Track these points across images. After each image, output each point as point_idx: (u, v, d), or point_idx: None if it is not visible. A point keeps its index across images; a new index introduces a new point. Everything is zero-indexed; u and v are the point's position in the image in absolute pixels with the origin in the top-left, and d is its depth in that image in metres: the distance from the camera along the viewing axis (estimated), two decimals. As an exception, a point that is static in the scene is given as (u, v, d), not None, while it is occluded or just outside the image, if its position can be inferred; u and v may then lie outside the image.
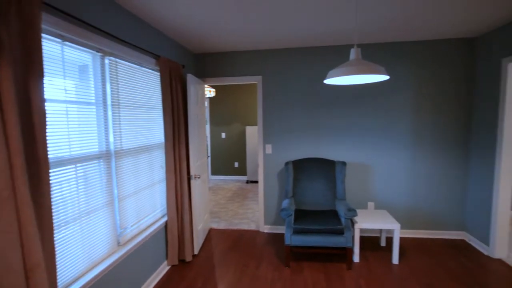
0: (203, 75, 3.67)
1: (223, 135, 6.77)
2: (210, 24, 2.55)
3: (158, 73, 2.71)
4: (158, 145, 2.73)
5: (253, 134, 6.30)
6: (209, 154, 6.87)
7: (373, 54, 3.31)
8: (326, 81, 1.88)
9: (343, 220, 2.77)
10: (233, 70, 3.59)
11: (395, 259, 2.82)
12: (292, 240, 2.76)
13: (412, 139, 3.33)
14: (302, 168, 3.32)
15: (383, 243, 3.22)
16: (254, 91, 6.60)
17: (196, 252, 3.04)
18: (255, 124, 6.61)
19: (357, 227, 2.84)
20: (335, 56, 3.36)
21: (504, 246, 2.89)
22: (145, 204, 2.52)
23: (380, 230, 3.26)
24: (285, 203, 2.95)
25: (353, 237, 3.10)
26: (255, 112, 6.62)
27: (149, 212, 2.58)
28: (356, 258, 2.88)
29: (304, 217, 2.91)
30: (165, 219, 2.73)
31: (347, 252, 2.72)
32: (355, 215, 2.70)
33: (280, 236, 3.54)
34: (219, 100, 6.72)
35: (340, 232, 2.71)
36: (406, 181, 3.39)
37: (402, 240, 3.35)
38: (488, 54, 2.94)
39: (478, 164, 3.11)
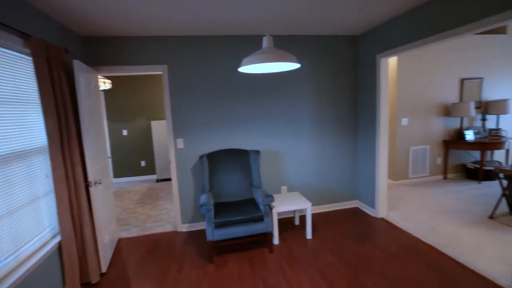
0: (95, 63, 3.11)
1: (125, 132, 6.04)
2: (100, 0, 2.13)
3: (30, 58, 2.12)
4: (39, 149, 2.16)
5: (160, 129, 5.84)
6: (109, 155, 6.02)
7: (281, 47, 3.48)
8: (241, 69, 1.84)
9: (261, 207, 2.86)
10: (133, 58, 3.16)
11: (309, 234, 3.12)
12: (214, 235, 2.69)
13: (315, 125, 3.70)
14: (217, 160, 3.25)
15: (297, 222, 3.51)
16: (159, 82, 6.08)
17: (104, 270, 2.62)
18: (163, 118, 6.14)
19: (275, 211, 2.99)
20: (248, 45, 3.38)
21: (384, 207, 3.56)
22: (26, 226, 1.98)
23: (294, 211, 3.53)
24: (203, 198, 2.84)
25: (272, 221, 3.26)
26: (161, 105, 6.13)
27: (33, 235, 2.04)
28: (276, 240, 3.04)
29: (224, 209, 2.87)
30: (58, 239, 2.22)
31: (267, 236, 2.84)
32: (273, 200, 2.83)
33: (201, 233, 3.41)
34: (116, 93, 5.92)
35: (261, 219, 2.79)
36: (312, 163, 3.77)
37: (313, 216, 3.73)
38: (367, 50, 3.49)
39: (364, 143, 3.72)
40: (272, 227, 2.92)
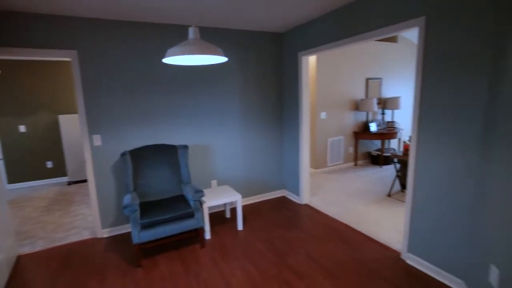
0: (-26, 43, 2.50)
1: (22, 128, 5.08)
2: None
3: None
4: None
5: (71, 124, 5.10)
6: (1, 156, 4.98)
7: (209, 38, 3.40)
8: (165, 60, 1.74)
9: (192, 203, 2.80)
10: (32, 40, 2.65)
11: (240, 226, 3.20)
12: (141, 237, 2.51)
13: (244, 118, 3.78)
14: (142, 157, 3.03)
15: (228, 215, 3.56)
16: (69, 70, 5.27)
17: (0, 294, 2.18)
18: (74, 112, 5.37)
19: (205, 206, 2.96)
20: (174, 34, 3.19)
21: (307, 194, 3.91)
22: None
23: (225, 204, 3.57)
24: (127, 198, 2.62)
25: (202, 216, 3.22)
26: (71, 97, 5.34)
27: None
28: (208, 235, 3.03)
29: (151, 209, 2.70)
30: None
31: (199, 232, 2.80)
32: (203, 195, 2.79)
33: (125, 236, 3.15)
34: (8, 82, 4.90)
35: (191, 215, 2.73)
36: (241, 156, 3.85)
37: (244, 208, 3.83)
38: (290, 48, 3.72)
39: (289, 135, 3.98)
40: (203, 222, 2.89)
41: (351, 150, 5.77)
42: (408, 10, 2.21)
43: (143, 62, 3.13)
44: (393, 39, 5.90)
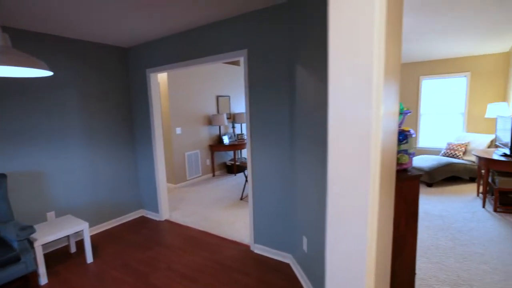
0: None
1: None
2: None
3: None
4: None
5: None
6: None
7: (34, 46, 2.85)
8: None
9: (16, 244, 2.25)
10: None
11: (89, 258, 2.82)
12: None
13: (88, 137, 3.38)
14: None
15: (73, 249, 3.05)
16: None
17: None
18: None
19: (38, 244, 2.45)
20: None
21: (167, 210, 3.90)
22: None
23: (68, 237, 3.05)
24: None
25: (35, 258, 2.63)
26: None
27: None
28: (44, 279, 2.50)
29: None
30: None
31: (30, 278, 2.28)
32: (33, 231, 2.31)
33: None
34: None
35: (16, 260, 2.20)
36: (88, 180, 3.41)
37: (94, 236, 3.38)
38: (137, 64, 3.67)
39: (143, 152, 3.86)
40: (36, 265, 2.38)
41: (208, 162, 6.18)
42: (236, 43, 2.72)
43: None
44: (236, 63, 6.84)
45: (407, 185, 1.57)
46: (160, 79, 5.22)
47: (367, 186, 0.75)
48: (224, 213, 4.00)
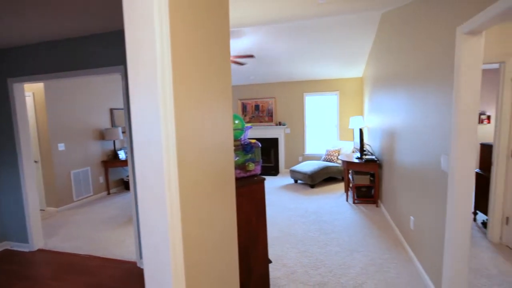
0: None
1: None
2: None
3: None
4: None
5: None
6: None
7: None
8: None
9: None
10: None
11: None
12: None
13: None
14: None
15: None
16: None
17: None
18: None
19: None
20: None
21: (40, 238, 3.44)
22: None
23: None
24: None
25: None
26: None
27: None
28: None
29: None
30: None
31: None
32: None
33: None
34: None
35: None
36: None
37: None
38: (-5, 73, 3.18)
39: (5, 178, 3.32)
40: None
41: (102, 179, 5.68)
42: (114, 59, 2.71)
43: None
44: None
45: (255, 188, 1.89)
46: (36, 89, 4.60)
47: (164, 196, 0.94)
48: (114, 232, 3.77)
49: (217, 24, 1.37)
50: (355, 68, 6.15)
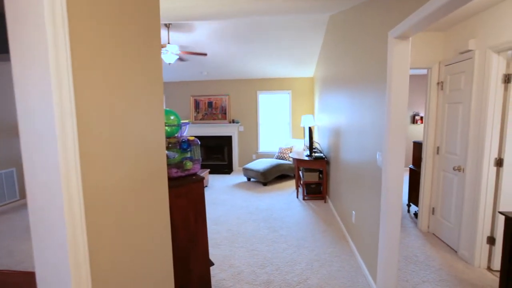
0: None
1: None
2: None
3: None
4: None
5: None
6: None
7: None
8: None
9: None
10: None
11: None
12: None
13: None
14: None
15: None
16: None
17: None
18: None
19: None
20: None
21: None
22: None
23: None
24: None
25: None
26: None
27: None
28: None
29: None
30: None
31: None
32: None
33: None
34: None
35: None
36: None
37: None
38: None
39: None
40: None
41: (31, 182, 5.02)
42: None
43: None
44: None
45: (193, 188, 1.78)
46: None
47: (61, 196, 0.80)
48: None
49: (141, 12, 1.24)
50: (306, 68, 6.33)
